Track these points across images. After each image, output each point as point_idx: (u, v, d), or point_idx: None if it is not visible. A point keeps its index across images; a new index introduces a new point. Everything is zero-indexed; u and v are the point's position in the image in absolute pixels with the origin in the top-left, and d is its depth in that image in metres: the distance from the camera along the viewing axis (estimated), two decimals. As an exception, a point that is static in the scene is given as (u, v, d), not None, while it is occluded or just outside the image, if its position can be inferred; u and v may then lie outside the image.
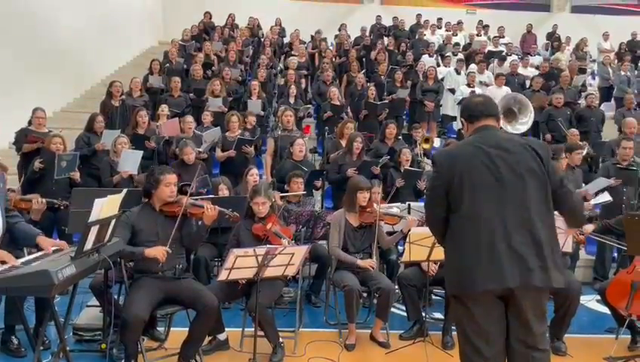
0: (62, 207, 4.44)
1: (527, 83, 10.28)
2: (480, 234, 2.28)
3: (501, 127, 2.73)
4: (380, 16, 14.34)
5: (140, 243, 3.46)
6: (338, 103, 8.41)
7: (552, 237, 2.33)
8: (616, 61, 12.33)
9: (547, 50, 14.14)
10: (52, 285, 2.32)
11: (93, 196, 3.65)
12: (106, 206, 2.72)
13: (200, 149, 6.36)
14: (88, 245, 2.63)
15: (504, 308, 2.32)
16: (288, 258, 3.34)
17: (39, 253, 2.79)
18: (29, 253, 2.96)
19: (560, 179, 2.43)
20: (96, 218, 2.64)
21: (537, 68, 11.50)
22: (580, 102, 9.71)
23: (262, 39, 12.55)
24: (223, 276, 3.23)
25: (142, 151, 5.85)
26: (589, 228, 4.39)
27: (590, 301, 5.16)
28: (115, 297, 3.85)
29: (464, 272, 2.30)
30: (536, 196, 2.33)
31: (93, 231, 2.64)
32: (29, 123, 6.30)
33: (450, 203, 2.38)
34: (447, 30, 13.79)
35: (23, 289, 2.39)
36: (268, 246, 3.34)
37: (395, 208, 4.64)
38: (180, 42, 11.34)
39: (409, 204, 4.89)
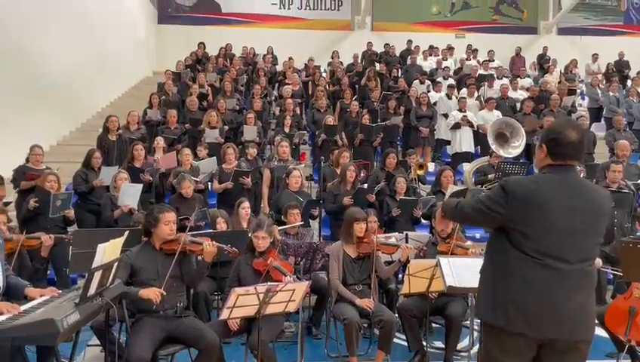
0: (68, 240, 4.45)
1: (518, 106, 10.44)
2: (539, 277, 2.25)
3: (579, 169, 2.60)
4: (370, 42, 14.57)
5: (141, 282, 3.50)
6: (332, 123, 8.52)
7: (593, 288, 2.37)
8: (604, 81, 12.56)
9: (535, 69, 14.41)
10: (57, 333, 2.34)
11: (94, 237, 3.71)
12: (109, 250, 2.75)
13: (197, 179, 6.42)
14: (92, 290, 2.66)
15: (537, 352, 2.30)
16: (289, 294, 3.36)
17: (43, 299, 2.82)
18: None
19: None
20: (99, 263, 2.68)
21: (527, 90, 11.70)
22: (570, 123, 9.84)
23: (256, 67, 12.71)
24: (224, 315, 3.25)
25: (142, 185, 5.91)
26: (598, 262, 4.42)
27: (589, 325, 5.18)
28: (116, 335, 3.85)
29: (512, 309, 2.26)
30: (594, 248, 2.35)
31: (97, 276, 2.67)
32: (27, 160, 6.34)
33: (509, 234, 2.30)
34: (436, 55, 14.01)
35: (29, 338, 2.40)
36: (269, 283, 3.36)
37: (393, 238, 4.68)
38: (174, 71, 11.48)
39: (407, 234, 4.94)
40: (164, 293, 3.41)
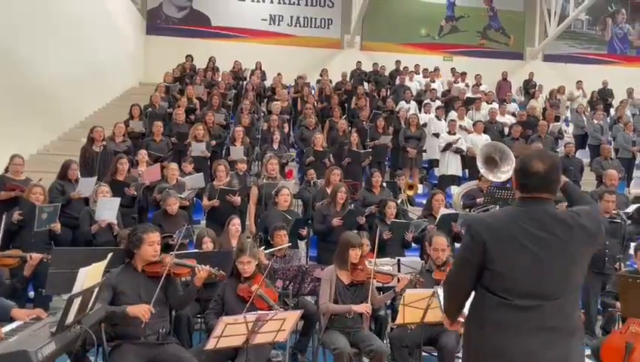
0: (47, 261, 4.14)
1: (506, 130, 10.48)
2: (510, 321, 2.09)
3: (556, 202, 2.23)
4: (360, 61, 14.59)
5: (122, 308, 3.30)
6: (321, 149, 8.42)
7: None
8: (589, 109, 12.72)
9: (521, 94, 14.55)
10: (31, 367, 2.15)
11: (74, 256, 3.51)
12: (90, 275, 2.57)
13: (182, 196, 6.23)
14: (70, 318, 2.46)
15: None
16: (279, 324, 3.20)
17: (18, 324, 2.61)
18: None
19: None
20: (79, 289, 2.48)
21: (514, 115, 11.77)
22: (558, 149, 9.91)
23: (245, 83, 12.60)
24: (211, 344, 3.06)
25: (119, 199, 5.68)
26: None
27: (580, 357, 5.09)
28: (92, 360, 3.63)
29: (497, 359, 2.11)
30: (575, 284, 2.16)
31: (76, 302, 2.48)
32: (6, 170, 6.08)
33: (481, 277, 2.16)
34: (425, 77, 14.07)
35: (-1, 371, 2.20)
36: (259, 312, 3.20)
37: (387, 266, 4.55)
38: (164, 85, 11.31)
39: (399, 260, 4.81)
40: (154, 311, 3.23)
